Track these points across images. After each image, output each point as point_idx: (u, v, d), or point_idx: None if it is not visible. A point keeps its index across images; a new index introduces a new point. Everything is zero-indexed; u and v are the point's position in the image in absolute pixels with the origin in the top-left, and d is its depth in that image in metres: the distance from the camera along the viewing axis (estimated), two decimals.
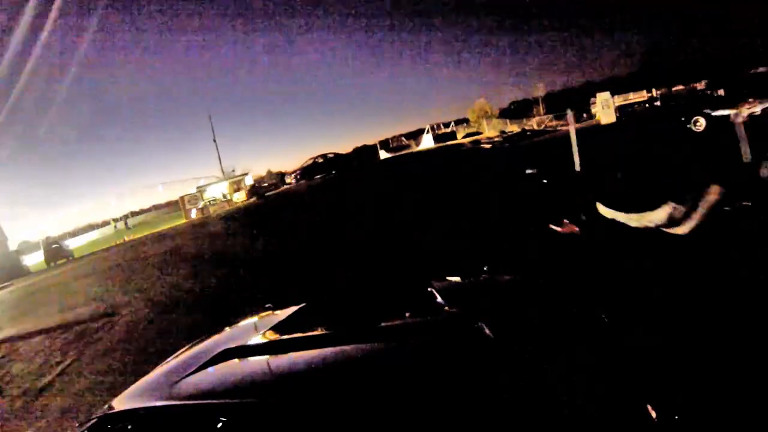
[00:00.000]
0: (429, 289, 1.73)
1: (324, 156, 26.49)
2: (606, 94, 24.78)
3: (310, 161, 26.53)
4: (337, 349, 1.40)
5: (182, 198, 30.49)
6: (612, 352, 1.31)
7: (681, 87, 31.60)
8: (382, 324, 1.57)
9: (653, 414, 1.02)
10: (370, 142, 38.97)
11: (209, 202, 28.84)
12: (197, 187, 31.01)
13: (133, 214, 43.44)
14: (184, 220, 28.81)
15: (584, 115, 33.39)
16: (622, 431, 1.01)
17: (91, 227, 44.88)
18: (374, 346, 1.38)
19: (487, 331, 1.26)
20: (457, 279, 1.96)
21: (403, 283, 2.37)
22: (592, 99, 38.22)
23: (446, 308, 1.54)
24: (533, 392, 1.06)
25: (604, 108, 24.88)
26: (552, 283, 2.00)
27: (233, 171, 39.76)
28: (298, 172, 27.00)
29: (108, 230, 40.79)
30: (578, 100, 40.75)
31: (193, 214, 27.93)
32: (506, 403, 1.04)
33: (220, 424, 1.13)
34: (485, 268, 2.04)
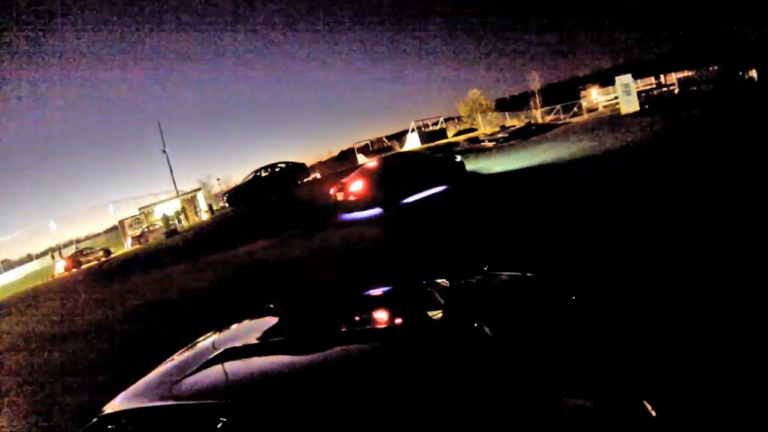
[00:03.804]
0: (429, 289, 1.76)
1: (272, 167, 18.94)
2: (627, 78, 20.75)
3: (251, 176, 18.78)
4: (338, 349, 1.42)
5: (122, 222, 25.22)
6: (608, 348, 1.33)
7: (693, 72, 28.28)
8: (383, 324, 1.63)
9: (652, 412, 1.02)
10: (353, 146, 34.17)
11: (148, 227, 23.55)
12: (140, 208, 25.65)
13: (78, 241, 37.37)
14: (123, 249, 23.64)
15: (575, 108, 30.86)
16: (621, 429, 1.02)
17: (30, 258, 38.31)
18: (375, 346, 1.38)
19: (487, 330, 1.28)
20: (457, 279, 1.96)
21: (403, 283, 2.22)
22: (582, 92, 35.32)
23: (446, 308, 1.55)
24: (533, 391, 1.06)
25: (625, 94, 20.80)
26: (549, 281, 2.00)
27: (203, 184, 34.48)
28: (228, 193, 19.27)
29: (47, 261, 34.77)
30: (567, 93, 38.50)
31: (129, 244, 22.73)
32: (506, 402, 1.03)
33: (220, 424, 1.12)
34: (485, 268, 2.04)
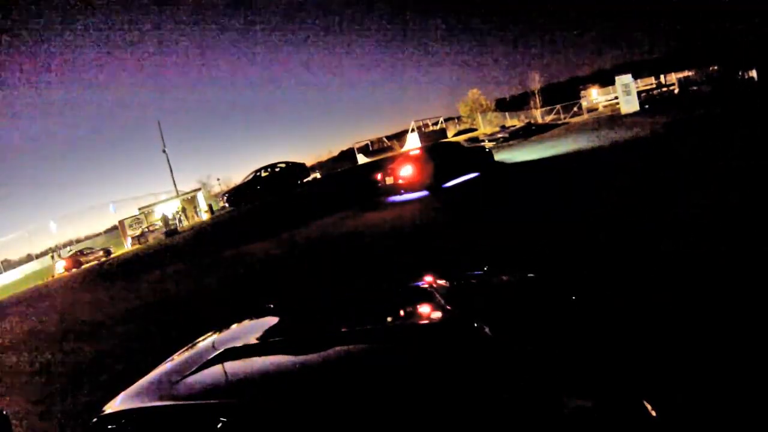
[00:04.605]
0: (429, 289, 1.77)
1: (272, 167, 18.85)
2: (627, 78, 20.76)
3: (251, 176, 18.69)
4: (338, 349, 1.42)
5: (122, 222, 25.22)
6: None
7: (693, 72, 28.23)
8: (383, 324, 1.60)
9: (652, 412, 1.03)
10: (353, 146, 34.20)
11: (148, 227, 23.56)
12: (140, 208, 25.66)
13: (78, 240, 37.37)
14: (123, 249, 23.65)
15: (575, 108, 30.93)
16: (621, 429, 1.02)
17: (30, 258, 38.24)
18: (375, 346, 1.38)
19: (487, 330, 1.28)
20: (456, 278, 1.98)
21: (403, 283, 2.13)
22: (582, 92, 35.26)
23: (446, 308, 1.55)
24: (533, 391, 1.06)
25: (625, 94, 20.81)
26: (549, 281, 2.00)
27: (204, 184, 34.50)
28: (228, 193, 19.23)
29: (47, 261, 34.71)
30: (567, 93, 38.43)
31: (129, 244, 22.73)
32: (506, 402, 1.03)
33: (220, 424, 1.12)
34: (485, 268, 2.05)
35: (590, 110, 30.70)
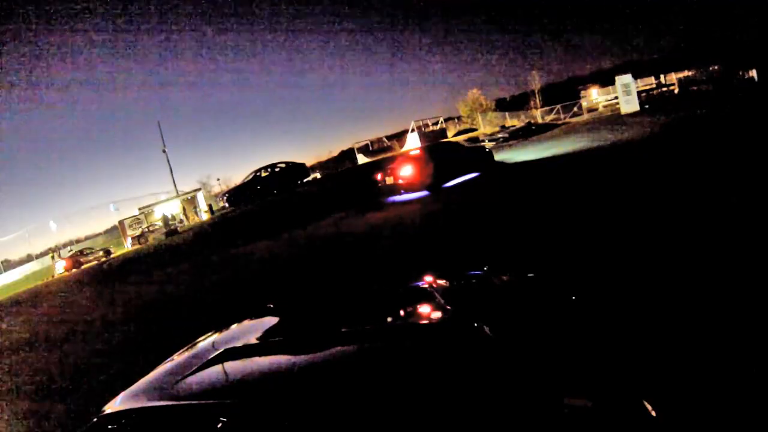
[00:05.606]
0: (429, 289, 1.77)
1: (272, 167, 18.94)
2: (627, 77, 20.74)
3: (251, 176, 18.75)
4: (338, 349, 1.42)
5: (122, 222, 25.24)
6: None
7: (693, 72, 28.08)
8: (383, 324, 1.61)
9: (652, 412, 1.02)
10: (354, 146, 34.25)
11: (148, 227, 23.60)
12: (140, 208, 25.71)
13: (78, 240, 37.38)
14: (123, 249, 23.66)
15: (575, 108, 30.82)
16: (621, 429, 1.02)
17: (30, 258, 38.26)
18: (375, 346, 1.37)
19: (487, 330, 1.28)
20: (456, 278, 1.99)
21: (403, 283, 2.12)
22: (582, 92, 35.09)
23: (446, 308, 1.55)
24: (533, 391, 1.06)
25: (625, 94, 20.79)
26: (549, 281, 2.00)
27: (203, 184, 34.58)
28: (228, 193, 19.21)
29: (47, 261, 34.74)
30: (567, 93, 38.35)
31: (129, 244, 22.75)
32: (506, 402, 1.03)
33: (220, 424, 1.12)
34: (485, 268, 2.05)
35: (590, 110, 30.67)
